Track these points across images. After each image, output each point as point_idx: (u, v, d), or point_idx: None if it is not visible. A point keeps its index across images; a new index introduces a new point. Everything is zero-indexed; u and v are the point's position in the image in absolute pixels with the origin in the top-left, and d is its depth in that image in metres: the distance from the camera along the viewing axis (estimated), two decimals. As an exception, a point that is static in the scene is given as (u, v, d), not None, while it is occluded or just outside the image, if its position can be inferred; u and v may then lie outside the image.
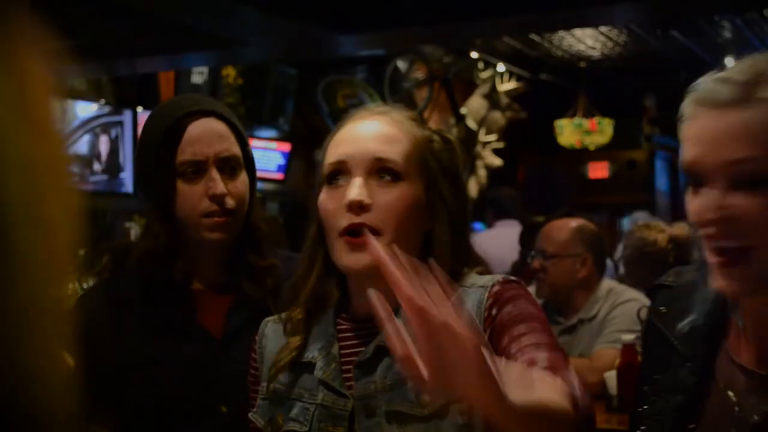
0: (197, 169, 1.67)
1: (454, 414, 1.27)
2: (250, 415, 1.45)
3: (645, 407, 1.30)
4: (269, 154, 8.33)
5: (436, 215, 1.38)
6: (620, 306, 3.23)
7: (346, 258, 1.33)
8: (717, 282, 1.14)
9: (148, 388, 1.68)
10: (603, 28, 7.81)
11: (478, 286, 1.34)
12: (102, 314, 1.73)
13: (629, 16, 4.99)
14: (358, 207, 1.32)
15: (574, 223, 3.41)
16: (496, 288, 1.33)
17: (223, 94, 7.72)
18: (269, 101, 8.25)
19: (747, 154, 1.08)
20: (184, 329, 1.72)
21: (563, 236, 3.34)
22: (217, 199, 1.66)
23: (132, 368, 1.69)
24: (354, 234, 1.32)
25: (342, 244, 1.34)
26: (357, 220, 1.32)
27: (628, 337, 2.89)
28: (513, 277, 1.38)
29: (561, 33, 8.08)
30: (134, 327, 1.72)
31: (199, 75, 7.49)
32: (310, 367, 1.39)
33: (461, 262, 1.39)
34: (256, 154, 1.85)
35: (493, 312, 1.31)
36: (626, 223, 10.96)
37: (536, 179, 10.47)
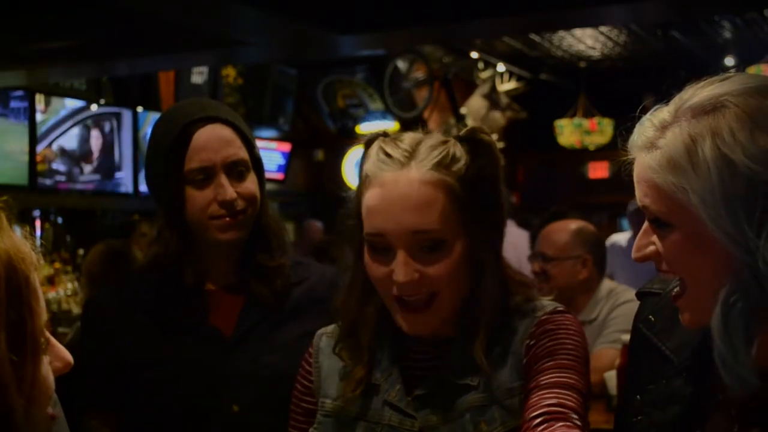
0: (206, 176, 1.68)
1: None
2: (310, 430, 1.45)
3: (639, 417, 1.26)
4: (269, 154, 8.33)
5: (483, 268, 1.36)
6: (620, 306, 3.22)
7: (400, 319, 1.35)
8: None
9: (158, 386, 1.69)
10: (603, 28, 7.81)
11: (529, 313, 1.38)
12: (113, 314, 1.76)
13: (629, 16, 4.98)
14: (408, 286, 1.31)
15: (573, 225, 3.40)
16: (542, 318, 1.37)
17: (223, 94, 7.72)
18: (269, 101, 8.24)
19: None
20: (194, 329, 1.74)
21: (563, 239, 3.33)
22: (227, 205, 1.68)
23: (142, 367, 1.71)
24: (405, 303, 1.33)
25: (395, 305, 1.34)
26: (410, 297, 1.32)
27: (628, 338, 2.89)
28: (561, 308, 1.40)
29: (561, 33, 8.08)
30: (145, 327, 1.74)
31: (199, 75, 7.49)
32: (375, 388, 1.40)
33: (504, 285, 1.40)
34: (256, 155, 1.85)
35: (532, 342, 1.34)
36: (626, 223, 10.97)
37: (536, 179, 10.47)
